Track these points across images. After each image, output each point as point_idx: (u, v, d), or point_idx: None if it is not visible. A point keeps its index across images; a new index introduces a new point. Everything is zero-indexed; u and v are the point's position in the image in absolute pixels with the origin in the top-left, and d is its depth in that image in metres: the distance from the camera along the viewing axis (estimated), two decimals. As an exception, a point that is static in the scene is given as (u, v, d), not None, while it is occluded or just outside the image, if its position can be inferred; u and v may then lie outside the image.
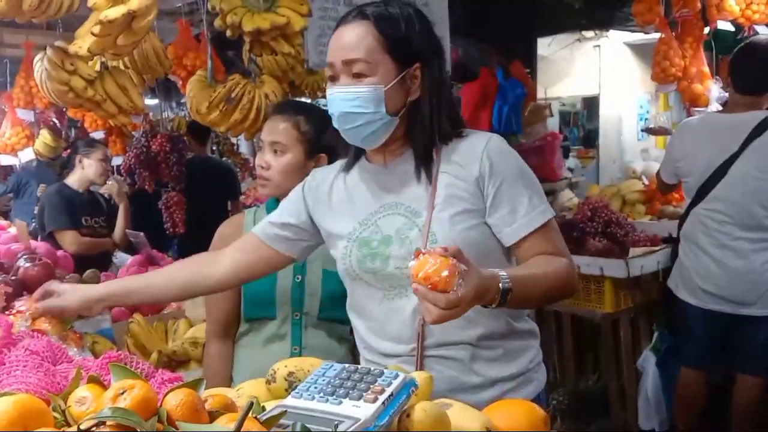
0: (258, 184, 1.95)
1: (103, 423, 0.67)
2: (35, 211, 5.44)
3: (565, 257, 1.53)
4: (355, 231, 1.59)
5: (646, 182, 4.60)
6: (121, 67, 3.46)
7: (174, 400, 0.84)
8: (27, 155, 4.93)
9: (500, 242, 1.54)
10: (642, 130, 7.07)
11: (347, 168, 1.66)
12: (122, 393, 0.82)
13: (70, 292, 1.73)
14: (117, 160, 4.93)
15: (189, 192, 4.55)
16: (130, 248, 4.46)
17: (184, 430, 0.73)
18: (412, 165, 1.56)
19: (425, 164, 1.54)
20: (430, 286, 1.19)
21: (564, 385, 3.68)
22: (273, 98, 3.07)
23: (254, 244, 1.72)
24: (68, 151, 4.26)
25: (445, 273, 1.19)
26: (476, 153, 1.52)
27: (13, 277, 2.35)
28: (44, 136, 5.17)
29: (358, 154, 1.64)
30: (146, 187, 4.45)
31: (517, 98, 5.14)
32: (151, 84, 3.83)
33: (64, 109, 5.16)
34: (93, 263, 3.70)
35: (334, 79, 1.51)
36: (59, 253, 3.67)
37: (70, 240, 4.07)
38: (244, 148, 8.37)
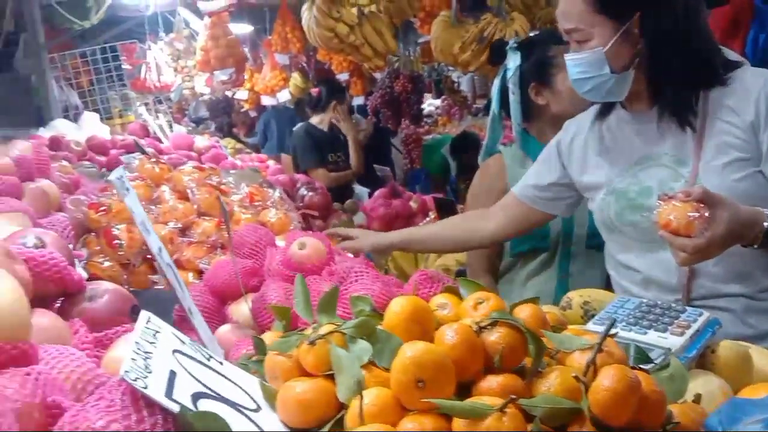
0: None
1: (496, 323, 0.82)
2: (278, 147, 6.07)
3: None
4: (611, 182, 1.57)
5: None
6: (374, 10, 3.70)
7: (524, 313, 0.97)
8: (284, 96, 5.51)
9: None
10: None
11: (602, 115, 1.63)
12: (481, 302, 0.97)
13: (364, 237, 1.95)
14: (358, 100, 5.30)
15: None
16: (365, 180, 4.84)
17: (549, 338, 0.86)
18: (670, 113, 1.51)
19: (681, 114, 1.47)
20: (671, 232, 1.21)
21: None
22: (522, 35, 3.09)
23: (518, 205, 1.78)
24: (317, 89, 4.67)
25: (686, 219, 1.18)
26: (751, 96, 1.41)
27: (300, 204, 2.71)
28: (295, 78, 5.72)
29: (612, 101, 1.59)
30: (389, 125, 4.73)
31: (777, 24, 4.52)
32: (398, 25, 4.03)
33: (311, 53, 5.64)
34: (340, 193, 4.12)
35: (569, 43, 1.53)
36: (317, 184, 4.12)
37: (320, 177, 4.51)
38: (464, 86, 8.49)
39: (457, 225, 1.96)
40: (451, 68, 7.65)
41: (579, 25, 1.47)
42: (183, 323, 1.33)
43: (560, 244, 2.00)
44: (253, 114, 6.95)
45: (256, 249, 1.78)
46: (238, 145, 7.29)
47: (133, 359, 0.71)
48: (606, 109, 1.62)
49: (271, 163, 5.48)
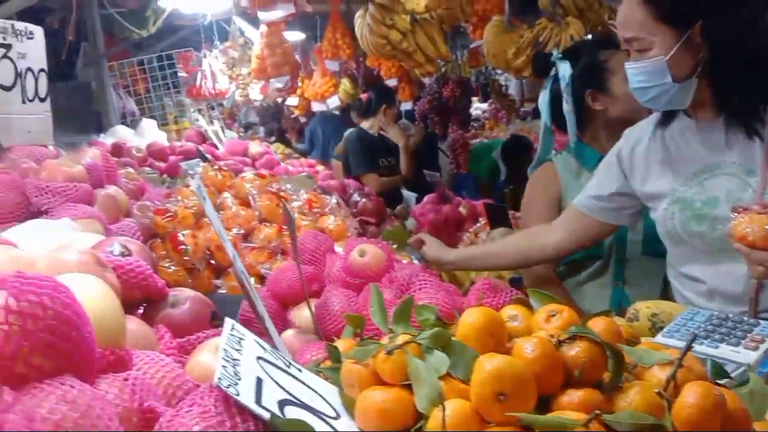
0: None
1: (575, 337, 0.82)
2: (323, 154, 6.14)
3: None
4: (675, 191, 1.54)
5: None
6: (426, 16, 3.71)
7: (598, 326, 0.97)
8: (333, 102, 5.57)
9: None
10: None
11: (664, 123, 1.60)
12: (553, 315, 0.97)
13: (432, 247, 1.90)
14: (406, 106, 5.31)
15: None
16: (413, 184, 4.85)
17: (627, 353, 0.86)
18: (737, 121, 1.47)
19: (748, 122, 1.44)
20: (748, 245, 1.18)
21: None
22: (577, 40, 3.06)
23: (580, 217, 1.75)
24: (366, 95, 4.70)
25: (765, 231, 1.16)
26: None
27: (354, 210, 2.74)
28: (345, 85, 5.77)
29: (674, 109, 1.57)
30: (436, 130, 4.73)
31: None
32: (448, 30, 4.03)
33: (360, 59, 5.68)
34: (389, 198, 4.14)
35: (628, 52, 1.51)
36: (367, 190, 4.15)
37: (372, 182, 4.53)
38: (512, 89, 8.44)
39: (518, 242, 1.93)
40: (498, 72, 7.61)
41: (640, 34, 1.45)
42: (248, 327, 1.37)
43: (614, 251, 1.98)
44: (303, 120, 7.03)
45: (316, 255, 1.81)
46: (287, 150, 7.41)
47: (223, 366, 0.74)
48: (668, 117, 1.60)
49: (320, 168, 5.55)
